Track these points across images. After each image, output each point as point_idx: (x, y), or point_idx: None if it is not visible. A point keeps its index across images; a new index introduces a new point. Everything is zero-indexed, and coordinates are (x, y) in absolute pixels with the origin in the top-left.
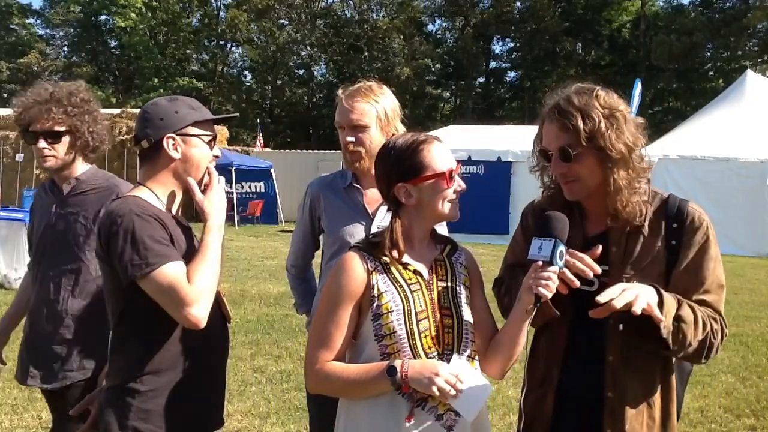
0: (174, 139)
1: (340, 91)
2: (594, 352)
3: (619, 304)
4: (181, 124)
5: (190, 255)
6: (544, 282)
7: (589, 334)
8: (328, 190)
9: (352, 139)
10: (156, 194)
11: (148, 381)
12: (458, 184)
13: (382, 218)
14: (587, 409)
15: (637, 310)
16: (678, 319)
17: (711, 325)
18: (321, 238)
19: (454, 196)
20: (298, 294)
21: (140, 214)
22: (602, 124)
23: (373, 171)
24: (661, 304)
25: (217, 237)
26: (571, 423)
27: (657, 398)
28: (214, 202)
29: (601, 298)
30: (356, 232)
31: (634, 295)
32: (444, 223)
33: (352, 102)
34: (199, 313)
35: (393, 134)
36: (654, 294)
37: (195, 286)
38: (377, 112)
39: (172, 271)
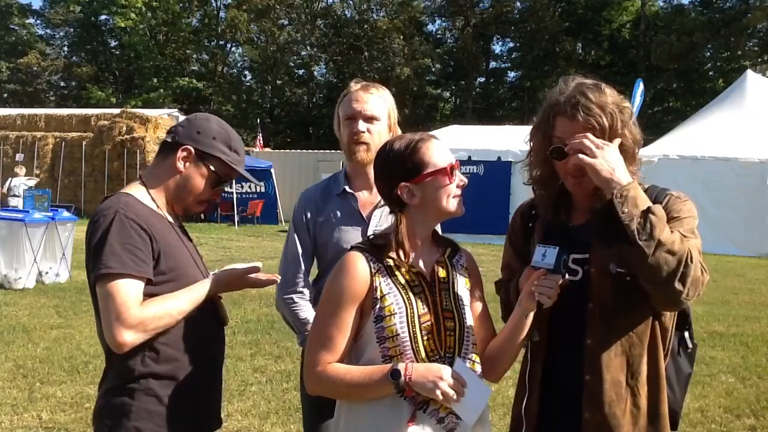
0: (190, 154)
1: (352, 84)
2: (574, 340)
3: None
4: (207, 150)
5: (178, 253)
6: (546, 290)
7: (569, 322)
8: (322, 198)
9: (365, 128)
10: (151, 195)
11: (147, 382)
12: (460, 179)
13: (377, 222)
14: (569, 396)
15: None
16: (648, 210)
17: (690, 251)
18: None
19: (458, 192)
20: (302, 325)
21: (124, 216)
22: (618, 121)
23: (370, 168)
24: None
25: (207, 289)
26: (555, 411)
27: (643, 387)
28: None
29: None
30: (353, 239)
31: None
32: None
33: (368, 94)
34: (126, 338)
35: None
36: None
37: (142, 313)
38: (388, 108)
39: (125, 287)
